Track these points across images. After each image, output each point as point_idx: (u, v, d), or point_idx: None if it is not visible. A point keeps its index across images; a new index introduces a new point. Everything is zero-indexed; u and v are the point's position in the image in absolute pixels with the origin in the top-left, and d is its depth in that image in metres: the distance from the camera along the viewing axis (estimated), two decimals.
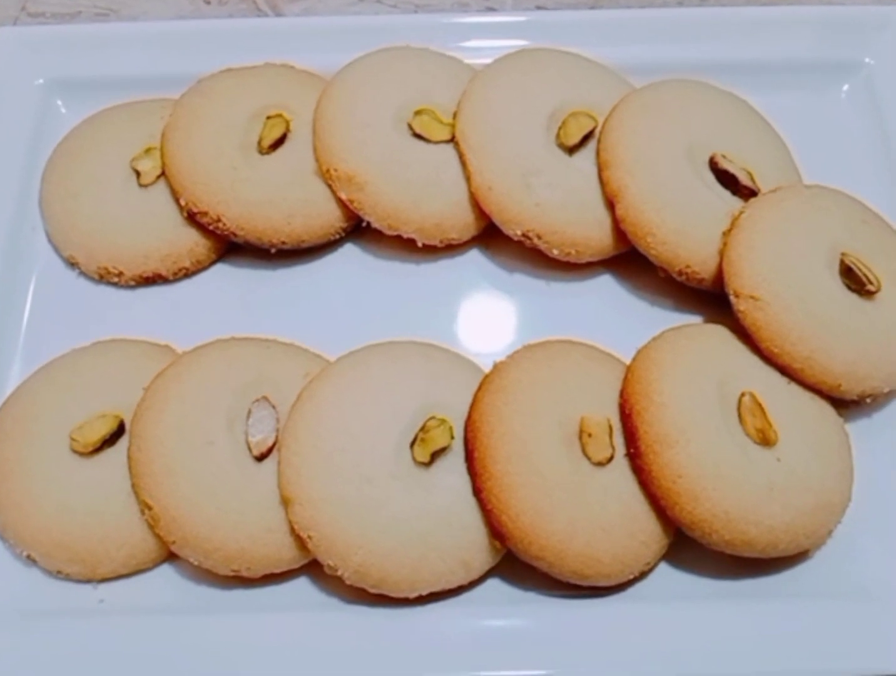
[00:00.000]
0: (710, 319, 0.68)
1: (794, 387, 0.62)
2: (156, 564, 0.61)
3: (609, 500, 0.57)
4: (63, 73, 0.77)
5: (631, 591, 0.60)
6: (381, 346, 0.63)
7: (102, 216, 0.70)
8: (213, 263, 0.72)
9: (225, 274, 0.72)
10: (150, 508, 0.58)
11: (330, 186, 0.69)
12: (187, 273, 0.71)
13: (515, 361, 0.62)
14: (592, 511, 0.57)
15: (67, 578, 0.60)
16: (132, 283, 0.70)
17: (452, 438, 0.59)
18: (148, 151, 0.72)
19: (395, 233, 0.69)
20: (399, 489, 0.57)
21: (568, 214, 0.67)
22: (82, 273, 0.71)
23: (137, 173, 0.71)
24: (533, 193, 0.67)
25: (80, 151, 0.73)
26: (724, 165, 0.67)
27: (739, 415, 0.59)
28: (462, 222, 0.69)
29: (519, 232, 0.67)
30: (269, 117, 0.71)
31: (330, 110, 0.70)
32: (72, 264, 0.71)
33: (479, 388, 0.61)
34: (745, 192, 0.67)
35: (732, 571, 0.60)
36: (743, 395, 0.60)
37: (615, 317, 0.70)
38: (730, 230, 0.64)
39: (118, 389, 0.63)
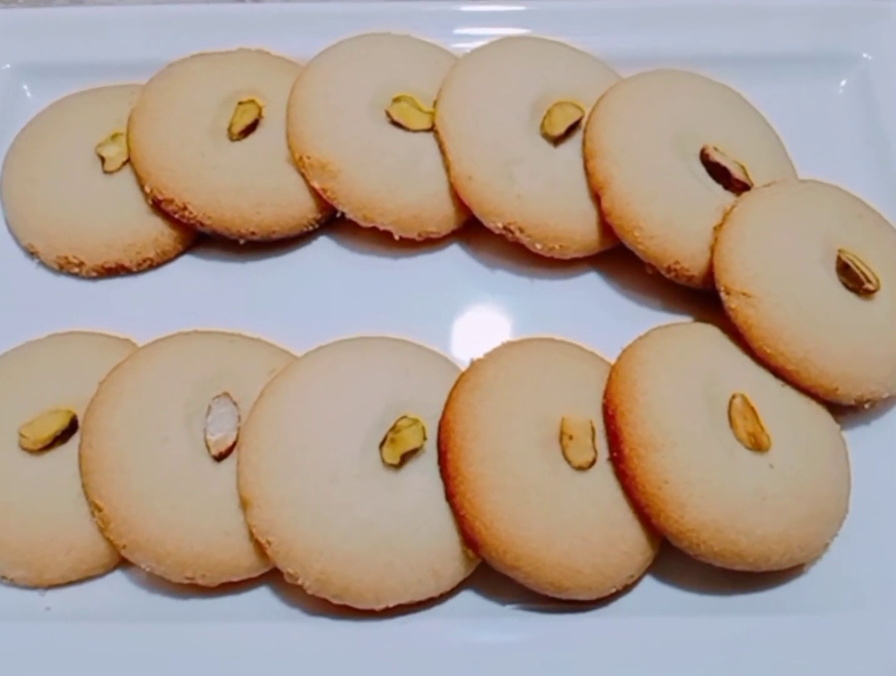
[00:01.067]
0: (700, 319, 0.64)
1: (788, 390, 0.58)
2: (107, 570, 0.57)
3: (590, 507, 0.54)
4: (30, 57, 0.75)
5: (614, 605, 0.56)
6: (350, 341, 0.60)
7: (63, 203, 0.66)
8: (180, 254, 0.68)
9: (192, 266, 0.68)
10: (99, 509, 0.55)
11: (303, 175, 0.66)
12: (152, 265, 0.67)
13: (493, 358, 0.58)
14: (572, 519, 0.53)
15: (12, 584, 0.57)
16: (93, 274, 0.67)
17: (425, 439, 0.56)
18: (114, 136, 0.68)
19: (370, 225, 0.66)
20: (365, 491, 0.53)
21: (552, 207, 0.64)
22: (41, 263, 0.68)
23: (102, 159, 0.68)
24: (515, 183, 0.63)
25: (44, 137, 0.69)
26: (716, 157, 0.64)
27: (730, 418, 0.56)
28: (441, 215, 0.66)
29: (500, 224, 0.64)
30: (240, 103, 0.67)
31: (304, 95, 0.67)
32: (31, 253, 0.68)
33: (455, 386, 0.57)
34: (737, 186, 0.64)
35: (723, 586, 0.56)
36: (734, 397, 0.56)
37: (601, 316, 0.66)
38: (721, 225, 0.61)
39: (72, 383, 0.60)
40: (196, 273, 0.68)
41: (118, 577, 0.57)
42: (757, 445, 0.55)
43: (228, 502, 0.55)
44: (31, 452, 0.57)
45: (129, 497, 0.54)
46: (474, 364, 0.58)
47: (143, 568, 0.55)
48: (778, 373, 0.58)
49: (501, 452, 0.54)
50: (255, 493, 0.53)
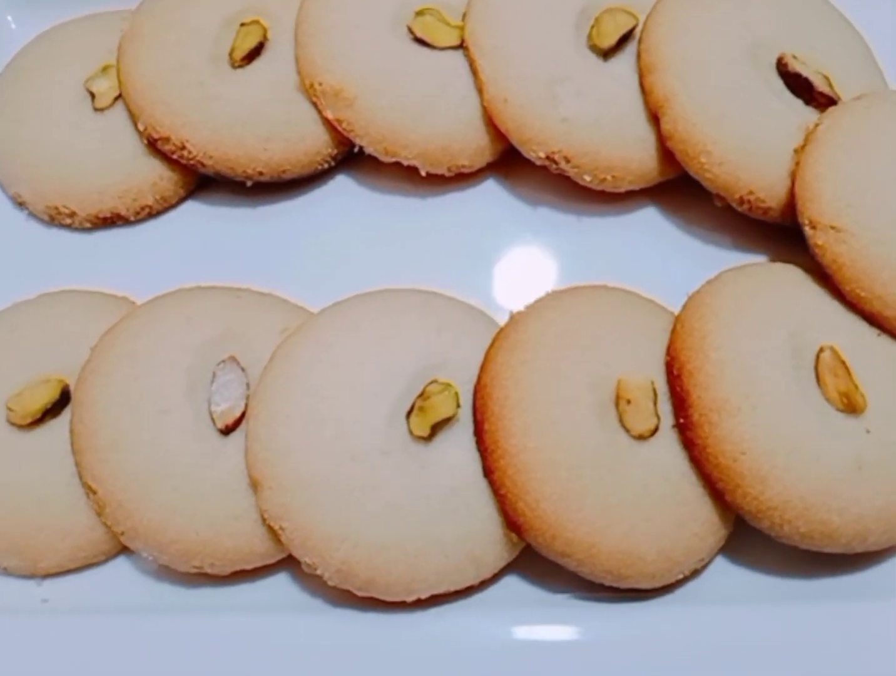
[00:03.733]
0: (778, 259, 0.56)
1: (885, 340, 0.50)
2: (108, 557, 0.52)
3: (653, 482, 0.46)
4: None
5: (681, 592, 0.49)
6: (373, 295, 0.52)
7: (50, 146, 0.60)
8: (182, 200, 0.61)
9: (195, 213, 0.61)
10: (94, 491, 0.49)
11: (315, 104, 0.58)
12: (151, 213, 0.61)
13: (537, 310, 0.51)
14: (632, 496, 0.46)
15: (6, 573, 0.51)
16: (87, 225, 0.60)
17: (458, 406, 0.48)
18: (105, 69, 0.61)
19: (392, 159, 0.58)
20: (391, 469, 0.47)
21: (603, 131, 0.55)
22: (31, 214, 0.61)
23: (92, 95, 0.60)
24: (559, 105, 0.55)
25: (28, 72, 0.62)
26: (796, 67, 0.55)
27: (817, 375, 0.47)
28: (474, 145, 0.58)
29: (542, 154, 0.55)
30: (242, 24, 0.59)
31: (314, 12, 0.58)
32: (18, 203, 0.61)
33: (492, 344, 0.50)
34: (821, 100, 0.55)
35: (806, 568, 0.50)
36: (821, 350, 0.48)
37: (661, 258, 0.58)
38: (803, 147, 0.52)
39: (64, 349, 0.53)
40: (200, 221, 0.61)
41: (121, 564, 0.52)
42: (850, 406, 0.47)
43: (238, 481, 0.48)
44: (20, 427, 0.51)
45: (126, 478, 0.48)
46: (514, 318, 0.51)
47: (144, 557, 0.49)
48: (873, 320, 0.50)
49: (548, 421, 0.46)
50: (265, 473, 0.47)
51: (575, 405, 0.47)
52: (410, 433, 0.47)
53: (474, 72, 0.57)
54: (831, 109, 0.53)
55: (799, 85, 0.55)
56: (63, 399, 0.52)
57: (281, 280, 0.56)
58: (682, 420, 0.47)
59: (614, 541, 0.45)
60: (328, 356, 0.49)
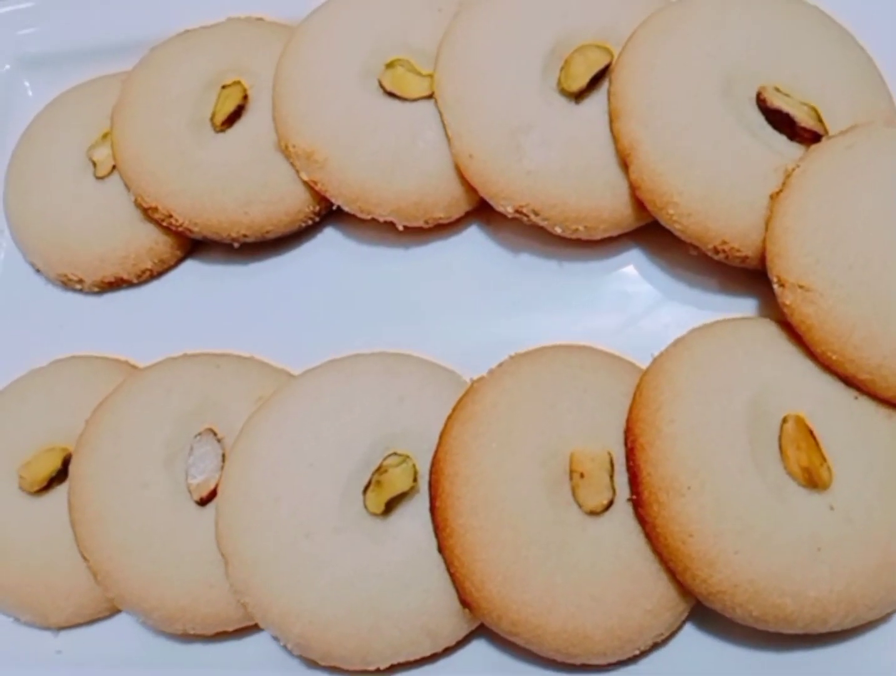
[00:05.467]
0: (768, 302, 0.53)
1: (864, 402, 0.46)
2: (113, 613, 0.55)
3: (602, 559, 0.46)
4: (28, 50, 0.70)
5: (645, 663, 0.48)
6: (339, 362, 0.53)
7: (56, 217, 0.63)
8: (181, 260, 0.63)
9: (194, 272, 0.63)
10: (87, 560, 0.52)
11: (293, 164, 0.58)
12: (152, 274, 0.63)
13: (496, 378, 0.50)
14: (579, 575, 0.45)
15: (27, 624, 0.56)
16: (96, 289, 0.63)
17: (416, 479, 0.49)
18: (105, 136, 0.63)
19: (368, 216, 0.58)
20: (345, 546, 0.48)
21: (570, 182, 0.53)
22: (48, 280, 0.65)
23: (94, 164, 0.63)
24: (524, 156, 0.53)
25: (37, 143, 0.65)
26: (776, 101, 0.51)
27: (780, 447, 0.45)
28: (448, 197, 0.57)
29: (510, 208, 0.54)
30: (223, 87, 0.60)
31: (288, 69, 0.59)
32: (36, 270, 0.65)
33: (450, 415, 0.50)
34: (805, 136, 0.50)
35: (783, 639, 0.47)
36: (785, 420, 0.45)
37: (644, 305, 0.56)
38: (779, 192, 0.49)
39: (67, 417, 0.57)
40: (198, 280, 0.63)
41: (127, 618, 0.55)
42: (812, 482, 0.44)
43: (213, 551, 0.51)
44: (30, 493, 0.55)
45: (112, 549, 0.51)
46: (474, 386, 0.50)
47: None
48: (849, 383, 0.46)
49: (495, 499, 0.46)
50: (229, 549, 0.49)
51: (524, 482, 0.46)
52: (366, 508, 0.48)
53: (443, 124, 0.56)
54: (812, 148, 0.49)
55: (780, 120, 0.51)
56: (66, 467, 0.55)
57: (271, 336, 0.59)
58: (634, 497, 0.46)
59: (560, 621, 0.45)
60: (287, 431, 0.50)
